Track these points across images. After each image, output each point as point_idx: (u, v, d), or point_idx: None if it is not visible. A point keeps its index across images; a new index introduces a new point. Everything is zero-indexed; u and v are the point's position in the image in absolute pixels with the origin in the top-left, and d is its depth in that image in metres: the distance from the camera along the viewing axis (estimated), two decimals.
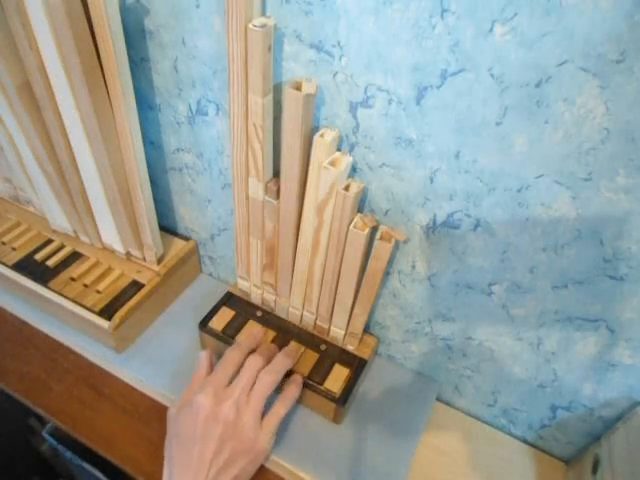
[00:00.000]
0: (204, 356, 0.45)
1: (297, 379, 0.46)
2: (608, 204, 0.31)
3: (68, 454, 0.72)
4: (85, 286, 0.52)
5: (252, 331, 0.49)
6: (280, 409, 0.43)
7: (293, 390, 0.45)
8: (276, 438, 0.43)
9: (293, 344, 0.49)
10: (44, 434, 0.74)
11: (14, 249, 0.56)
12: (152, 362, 0.51)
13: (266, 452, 0.42)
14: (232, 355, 0.44)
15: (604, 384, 0.40)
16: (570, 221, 0.33)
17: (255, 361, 0.44)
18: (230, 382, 0.42)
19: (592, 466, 0.42)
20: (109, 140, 0.44)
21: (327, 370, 0.47)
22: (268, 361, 0.45)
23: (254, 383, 0.42)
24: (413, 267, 0.43)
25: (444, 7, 0.29)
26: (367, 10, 0.31)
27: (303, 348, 0.49)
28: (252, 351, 0.46)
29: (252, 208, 0.44)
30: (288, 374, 0.46)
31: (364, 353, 0.49)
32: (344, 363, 0.48)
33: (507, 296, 0.40)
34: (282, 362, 0.45)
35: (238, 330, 0.50)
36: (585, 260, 0.35)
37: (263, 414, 0.42)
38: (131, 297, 0.51)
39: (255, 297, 0.53)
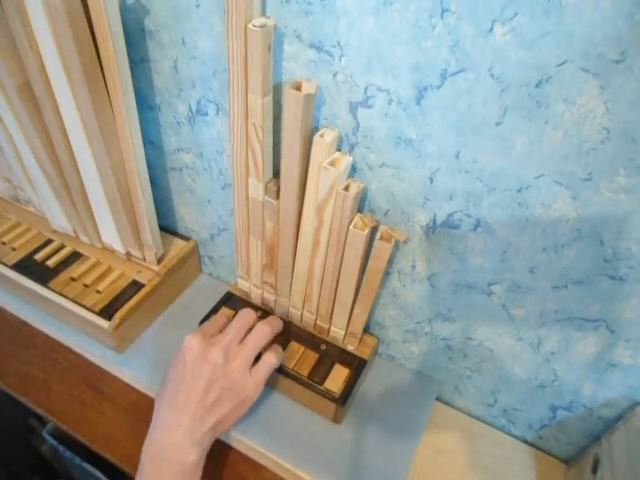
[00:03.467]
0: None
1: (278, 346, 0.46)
2: (608, 204, 0.31)
3: (68, 454, 0.72)
4: (85, 286, 0.52)
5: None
6: (271, 358, 0.43)
7: (279, 349, 0.45)
8: (263, 388, 0.43)
9: (293, 344, 0.49)
10: (44, 434, 0.74)
11: (14, 249, 0.56)
12: (152, 362, 0.51)
13: (252, 399, 0.42)
14: (220, 316, 0.45)
15: (604, 384, 0.40)
16: (570, 221, 0.33)
17: (247, 312, 0.44)
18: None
19: (592, 466, 0.42)
20: (109, 140, 0.44)
21: (327, 370, 0.47)
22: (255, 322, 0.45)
23: (245, 334, 0.43)
24: (413, 267, 0.43)
25: (444, 7, 0.29)
26: (367, 10, 0.31)
27: (303, 348, 0.49)
28: None
29: (252, 208, 0.44)
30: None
31: (364, 353, 0.49)
32: (344, 363, 0.48)
33: (507, 296, 0.40)
34: (275, 320, 0.46)
35: None
36: (585, 260, 0.35)
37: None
38: (131, 297, 0.51)
39: (255, 297, 0.53)
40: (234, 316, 0.50)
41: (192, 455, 0.38)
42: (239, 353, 0.41)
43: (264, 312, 0.52)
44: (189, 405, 0.38)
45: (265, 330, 0.43)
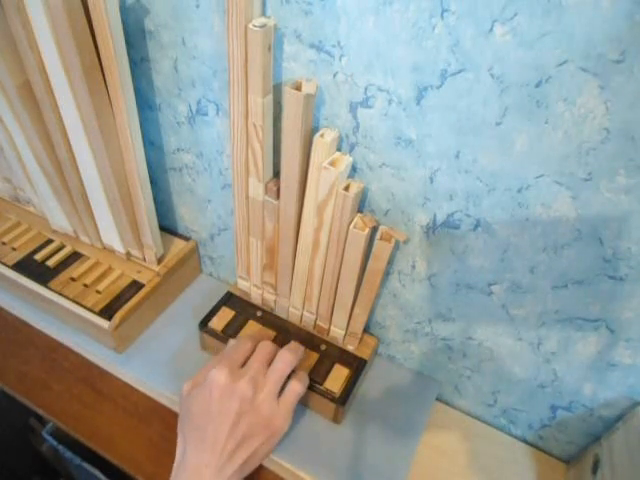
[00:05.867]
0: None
1: (303, 372, 0.45)
2: (608, 204, 0.31)
3: (68, 454, 0.72)
4: (85, 286, 0.52)
5: (260, 332, 0.50)
6: (297, 386, 0.42)
7: (304, 375, 0.44)
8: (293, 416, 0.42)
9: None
10: (44, 434, 0.74)
11: (14, 249, 0.56)
12: (152, 362, 0.51)
13: (283, 430, 0.40)
14: (244, 340, 0.44)
15: (604, 384, 0.40)
16: (570, 221, 0.33)
17: (268, 344, 0.44)
18: (244, 363, 0.42)
19: (592, 466, 0.42)
20: (109, 140, 0.44)
21: (327, 370, 0.47)
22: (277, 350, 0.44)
23: (269, 364, 0.42)
24: (413, 267, 0.43)
25: (444, 7, 0.29)
26: (367, 10, 0.31)
27: (302, 348, 0.49)
28: None
29: (252, 208, 0.44)
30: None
31: (364, 353, 0.49)
32: (344, 363, 0.48)
33: (507, 296, 0.40)
34: (296, 347, 0.45)
35: (238, 330, 0.50)
36: (585, 260, 0.35)
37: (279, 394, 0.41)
38: (131, 297, 0.51)
39: (255, 297, 0.53)
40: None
41: None
42: (265, 384, 0.40)
43: (264, 312, 0.52)
44: (218, 442, 0.37)
45: (289, 358, 0.42)
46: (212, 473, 0.36)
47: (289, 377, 0.43)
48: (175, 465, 0.38)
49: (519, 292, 0.39)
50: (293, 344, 0.45)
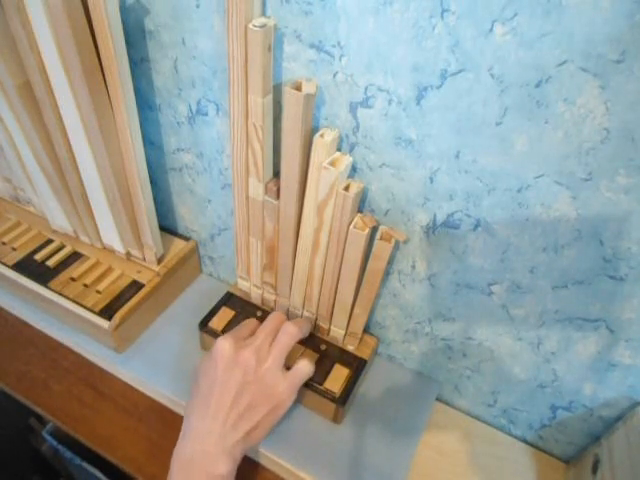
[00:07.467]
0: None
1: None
2: (608, 204, 0.31)
3: (68, 454, 0.72)
4: (85, 286, 0.52)
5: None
6: (306, 366, 0.42)
7: (313, 361, 0.44)
8: (294, 397, 0.42)
9: None
10: (44, 434, 0.74)
11: (14, 249, 0.56)
12: (152, 362, 0.51)
13: (286, 403, 0.41)
14: (251, 319, 0.45)
15: (604, 384, 0.40)
16: (570, 221, 0.33)
17: (277, 315, 0.44)
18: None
19: (592, 466, 0.42)
20: (109, 140, 0.44)
21: (327, 370, 0.47)
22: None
23: (274, 338, 0.42)
24: (413, 267, 0.43)
25: (444, 7, 0.29)
26: (367, 10, 0.31)
27: (303, 348, 0.49)
28: None
29: (252, 208, 0.44)
30: None
31: (364, 353, 0.49)
32: (344, 363, 0.48)
33: (507, 296, 0.40)
34: (303, 321, 0.46)
35: None
36: (585, 260, 0.35)
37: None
38: (131, 297, 0.51)
39: (255, 297, 0.53)
40: (261, 319, 0.50)
41: (222, 467, 0.36)
42: (270, 354, 0.41)
43: (264, 312, 0.52)
44: (221, 410, 0.37)
45: (293, 330, 0.43)
46: (215, 440, 0.36)
47: (297, 358, 0.43)
48: (181, 434, 0.39)
49: (519, 292, 0.39)
50: (299, 319, 0.46)
